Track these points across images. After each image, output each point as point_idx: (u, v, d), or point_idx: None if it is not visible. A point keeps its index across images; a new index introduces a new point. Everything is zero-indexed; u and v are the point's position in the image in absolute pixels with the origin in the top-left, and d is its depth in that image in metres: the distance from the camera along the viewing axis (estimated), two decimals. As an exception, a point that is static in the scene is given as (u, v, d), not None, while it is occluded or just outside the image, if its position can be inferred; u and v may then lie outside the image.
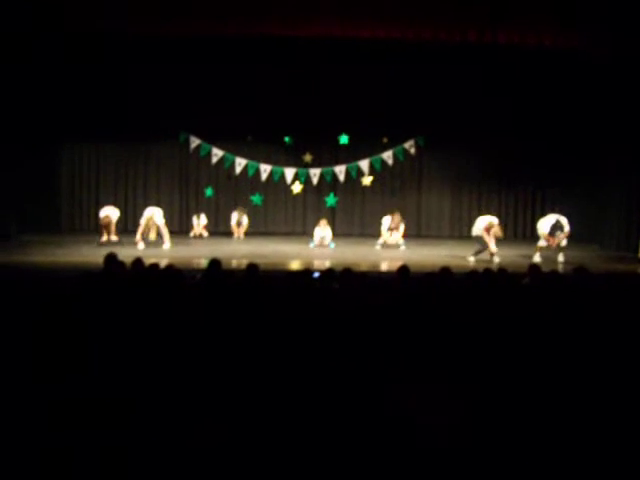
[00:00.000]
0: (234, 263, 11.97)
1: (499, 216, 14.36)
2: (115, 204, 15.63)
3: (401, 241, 15.17)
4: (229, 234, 17.07)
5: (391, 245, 15.18)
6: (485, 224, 13.22)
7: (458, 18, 13.12)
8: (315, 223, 16.08)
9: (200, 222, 17.22)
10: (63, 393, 3.96)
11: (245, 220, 17.14)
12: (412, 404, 3.83)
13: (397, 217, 15.28)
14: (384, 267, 12.37)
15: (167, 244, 14.45)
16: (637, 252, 13.94)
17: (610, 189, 15.54)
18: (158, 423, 3.79)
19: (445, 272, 7.49)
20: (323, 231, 15.53)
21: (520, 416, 3.91)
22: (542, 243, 13.34)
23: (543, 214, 13.89)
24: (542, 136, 16.62)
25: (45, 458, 3.46)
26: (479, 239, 13.30)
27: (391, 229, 15.22)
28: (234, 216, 17.18)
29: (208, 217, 17.42)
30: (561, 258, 13.17)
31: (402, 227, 15.31)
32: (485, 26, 13.21)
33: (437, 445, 3.61)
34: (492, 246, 13.08)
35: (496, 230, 13.13)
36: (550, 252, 13.33)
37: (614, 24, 12.92)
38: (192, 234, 17.10)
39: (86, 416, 3.77)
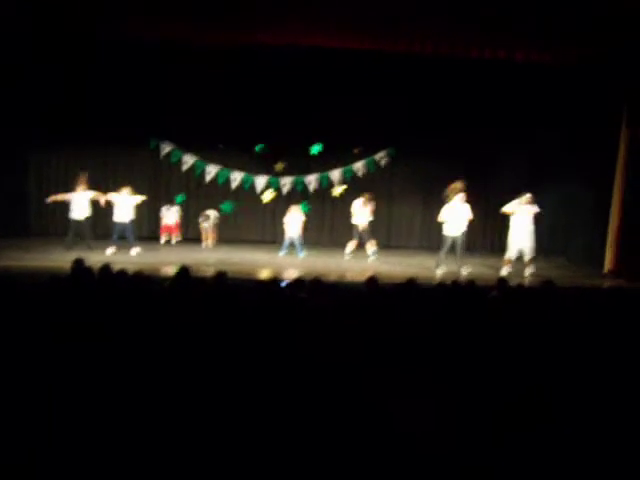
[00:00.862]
0: (203, 270, 11.93)
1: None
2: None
3: (372, 251, 15.19)
4: (199, 241, 16.99)
5: (361, 253, 15.23)
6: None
7: (433, 31, 13.21)
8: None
9: (170, 213, 17.09)
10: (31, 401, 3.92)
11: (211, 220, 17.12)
12: (387, 414, 3.84)
13: (368, 200, 15.27)
14: (353, 277, 12.39)
15: (135, 249, 14.38)
16: (603, 267, 14.10)
17: (577, 203, 15.69)
18: (124, 432, 3.77)
19: (411, 283, 7.52)
20: (294, 216, 15.52)
21: (489, 427, 3.94)
22: (510, 256, 13.45)
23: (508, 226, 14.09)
24: (511, 148, 16.74)
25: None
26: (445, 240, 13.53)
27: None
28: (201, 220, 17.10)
29: (179, 226, 17.26)
30: (529, 271, 13.29)
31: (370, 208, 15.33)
32: (458, 40, 13.33)
33: (417, 450, 3.63)
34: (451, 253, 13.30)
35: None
36: (518, 265, 13.45)
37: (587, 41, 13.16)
38: (163, 239, 16.96)
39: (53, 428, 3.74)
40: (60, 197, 14.90)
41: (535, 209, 13.43)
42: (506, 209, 13.62)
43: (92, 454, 3.58)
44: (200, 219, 17.01)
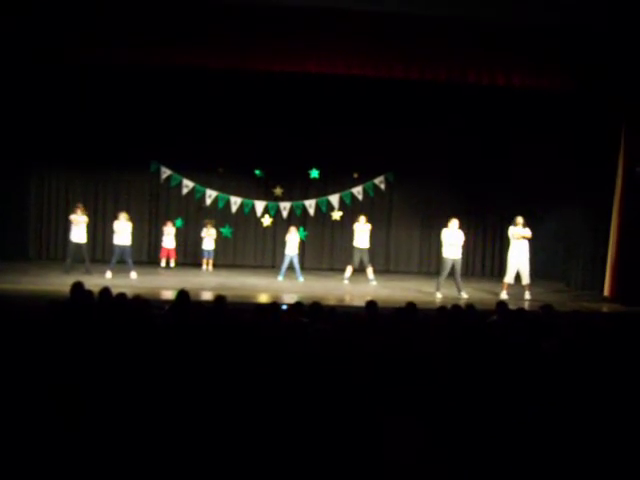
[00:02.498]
0: (202, 295, 11.93)
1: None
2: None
3: (372, 276, 15.17)
4: (198, 265, 16.96)
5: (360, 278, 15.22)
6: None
7: (431, 57, 13.31)
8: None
9: (170, 236, 16.93)
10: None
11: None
12: (382, 440, 3.83)
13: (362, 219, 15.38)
14: (352, 301, 12.38)
15: (134, 273, 14.39)
16: (603, 290, 14.10)
17: (576, 227, 15.71)
18: (121, 454, 3.75)
19: (411, 307, 7.52)
20: (293, 237, 15.50)
21: (488, 452, 3.92)
22: (509, 280, 13.46)
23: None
24: (510, 174, 16.78)
25: None
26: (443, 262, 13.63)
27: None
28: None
29: (177, 250, 17.18)
30: (527, 296, 13.29)
31: (368, 227, 15.34)
32: (456, 66, 13.42)
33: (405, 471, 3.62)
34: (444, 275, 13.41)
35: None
36: (516, 289, 13.47)
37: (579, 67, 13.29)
38: (162, 262, 16.88)
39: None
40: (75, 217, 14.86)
41: (528, 232, 13.48)
42: (514, 234, 13.60)
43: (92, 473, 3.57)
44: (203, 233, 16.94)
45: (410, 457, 3.69)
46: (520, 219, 13.49)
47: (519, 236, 13.38)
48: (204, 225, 16.99)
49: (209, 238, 16.85)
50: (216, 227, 17.19)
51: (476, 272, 18.01)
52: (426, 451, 3.74)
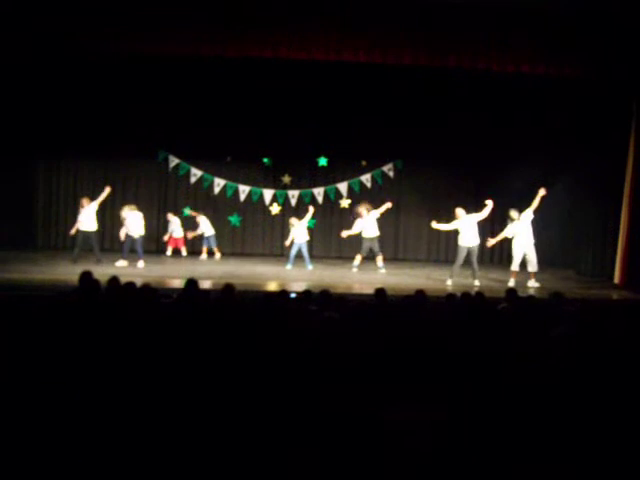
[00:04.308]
0: (211, 283, 11.92)
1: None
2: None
3: (381, 264, 15.11)
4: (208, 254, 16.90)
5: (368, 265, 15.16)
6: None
7: (439, 44, 13.21)
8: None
9: (177, 225, 16.98)
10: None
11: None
12: (387, 423, 3.81)
13: (362, 208, 15.21)
14: (362, 289, 12.34)
15: (142, 262, 14.41)
16: (612, 278, 14.04)
17: (586, 214, 15.63)
18: (126, 448, 3.74)
19: (420, 295, 7.50)
20: (297, 227, 15.40)
21: (496, 438, 3.91)
22: (516, 268, 13.40)
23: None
24: (520, 161, 16.67)
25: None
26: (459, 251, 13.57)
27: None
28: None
29: (185, 239, 17.16)
30: (531, 283, 13.21)
31: (373, 213, 15.14)
32: (466, 52, 13.32)
33: (407, 464, 3.60)
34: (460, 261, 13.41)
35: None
36: (524, 277, 13.42)
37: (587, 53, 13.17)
38: (169, 251, 16.89)
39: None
40: (76, 226, 14.90)
41: (529, 214, 13.38)
42: (506, 234, 13.59)
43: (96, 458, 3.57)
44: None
45: (414, 448, 3.68)
46: (514, 213, 13.38)
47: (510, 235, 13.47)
48: (196, 222, 16.91)
49: (204, 225, 16.72)
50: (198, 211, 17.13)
51: (485, 260, 17.95)
52: (431, 441, 3.73)
